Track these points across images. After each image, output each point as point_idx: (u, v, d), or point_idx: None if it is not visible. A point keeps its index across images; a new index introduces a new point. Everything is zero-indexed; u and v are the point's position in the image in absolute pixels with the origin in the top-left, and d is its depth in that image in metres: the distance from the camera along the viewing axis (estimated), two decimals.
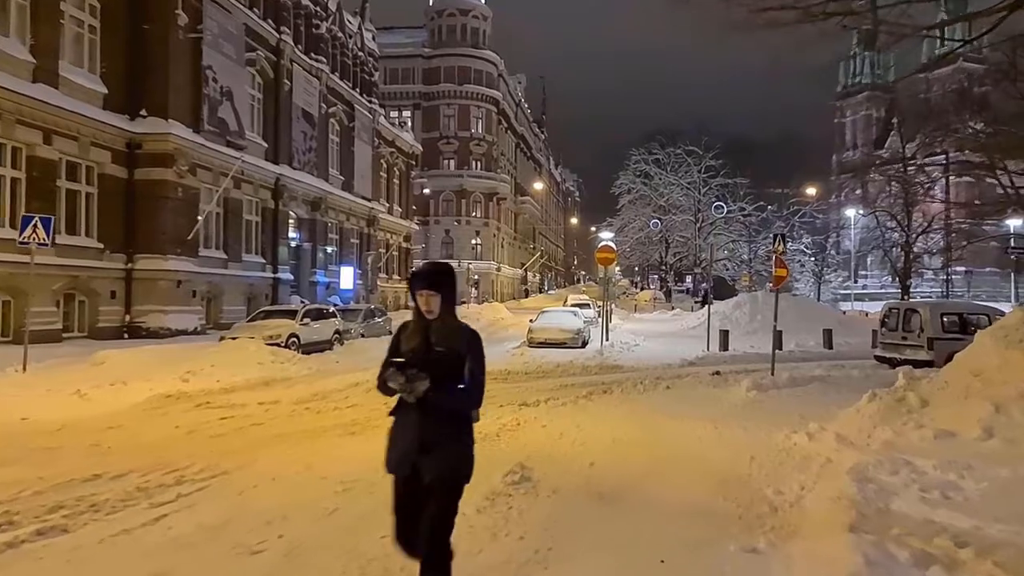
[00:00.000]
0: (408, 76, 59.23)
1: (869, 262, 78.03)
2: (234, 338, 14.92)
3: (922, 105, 60.27)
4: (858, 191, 67.76)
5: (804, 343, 19.43)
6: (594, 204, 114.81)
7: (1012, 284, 56.29)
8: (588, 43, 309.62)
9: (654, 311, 44.47)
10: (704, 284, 64.19)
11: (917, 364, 13.74)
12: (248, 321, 17.13)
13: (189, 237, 19.72)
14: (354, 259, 32.25)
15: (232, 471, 5.72)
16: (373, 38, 36.70)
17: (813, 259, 64.95)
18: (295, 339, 15.91)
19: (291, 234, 27.85)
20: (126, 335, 18.58)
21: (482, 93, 59.36)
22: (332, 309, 19.43)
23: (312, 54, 28.39)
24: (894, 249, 43.00)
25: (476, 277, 57.59)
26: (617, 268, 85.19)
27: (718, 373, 13.16)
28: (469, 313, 36.08)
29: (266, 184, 24.84)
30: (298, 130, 27.16)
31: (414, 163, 45.59)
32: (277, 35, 25.26)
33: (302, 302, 25.47)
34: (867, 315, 33.43)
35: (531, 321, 20.93)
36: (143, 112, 19.18)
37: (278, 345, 15.02)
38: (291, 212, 27.34)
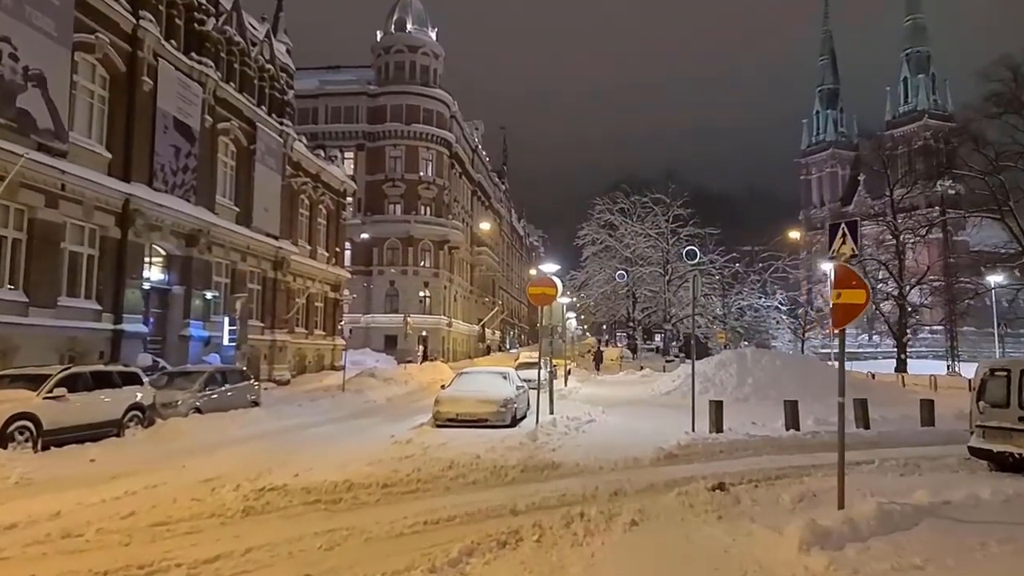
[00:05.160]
0: (352, 115, 54.21)
1: None
2: None
3: (903, 155, 57.57)
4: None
5: (825, 418, 13.72)
6: (559, 260, 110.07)
7: (996, 343, 52.44)
8: (554, 89, 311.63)
9: (620, 371, 38.58)
10: (675, 343, 59.06)
11: None
12: None
13: None
14: (250, 309, 25.96)
15: None
16: (288, 51, 31.34)
17: (787, 316, 60.53)
18: (29, 423, 9.69)
19: (157, 275, 21.67)
20: None
21: (432, 134, 54.38)
22: (134, 371, 13.06)
23: (193, 54, 22.82)
24: (886, 302, 38.31)
25: (424, 333, 51.33)
26: (580, 326, 79.95)
27: (722, 488, 7.32)
28: (397, 375, 29.86)
29: (108, 207, 18.72)
30: (166, 143, 21.29)
31: (345, 202, 39.81)
32: (134, 20, 19.62)
33: (154, 361, 19.28)
34: (873, 376, 28.02)
35: (442, 387, 14.86)
36: None
37: None
38: (154, 246, 21.23)
